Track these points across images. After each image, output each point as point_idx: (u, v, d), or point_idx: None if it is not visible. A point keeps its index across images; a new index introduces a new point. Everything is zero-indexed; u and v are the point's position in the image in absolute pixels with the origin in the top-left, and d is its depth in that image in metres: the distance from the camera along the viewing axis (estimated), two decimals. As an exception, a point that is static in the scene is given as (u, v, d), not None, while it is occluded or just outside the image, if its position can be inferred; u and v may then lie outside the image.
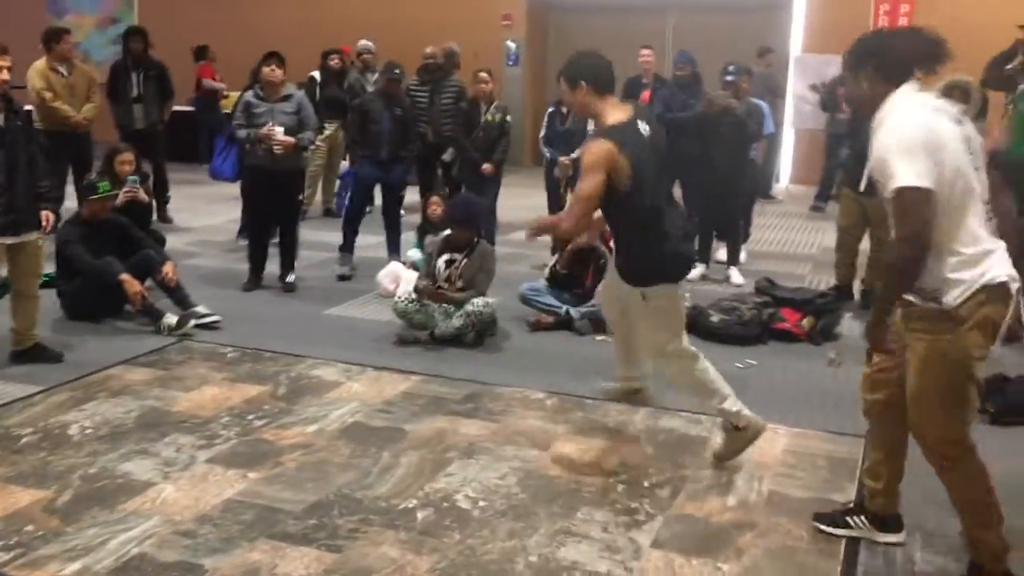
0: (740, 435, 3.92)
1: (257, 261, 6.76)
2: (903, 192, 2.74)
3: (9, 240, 4.82)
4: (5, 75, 4.67)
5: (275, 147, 6.27)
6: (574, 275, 6.01)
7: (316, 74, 9.40)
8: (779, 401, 4.77)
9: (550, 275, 6.12)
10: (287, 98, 6.45)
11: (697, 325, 5.79)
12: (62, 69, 8.00)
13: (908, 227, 2.76)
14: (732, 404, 3.90)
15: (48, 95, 7.84)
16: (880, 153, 2.83)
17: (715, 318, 5.77)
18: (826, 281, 6.92)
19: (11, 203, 4.78)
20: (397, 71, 7.19)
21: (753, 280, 6.65)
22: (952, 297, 2.82)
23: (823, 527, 3.44)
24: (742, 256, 7.60)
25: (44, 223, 5.01)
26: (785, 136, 12.14)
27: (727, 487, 3.80)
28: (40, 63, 7.96)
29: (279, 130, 6.27)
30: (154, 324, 5.65)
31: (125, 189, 6.22)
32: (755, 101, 7.41)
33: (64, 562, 3.15)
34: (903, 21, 11.24)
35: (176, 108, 10.88)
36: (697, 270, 7.27)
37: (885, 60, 2.92)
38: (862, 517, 3.37)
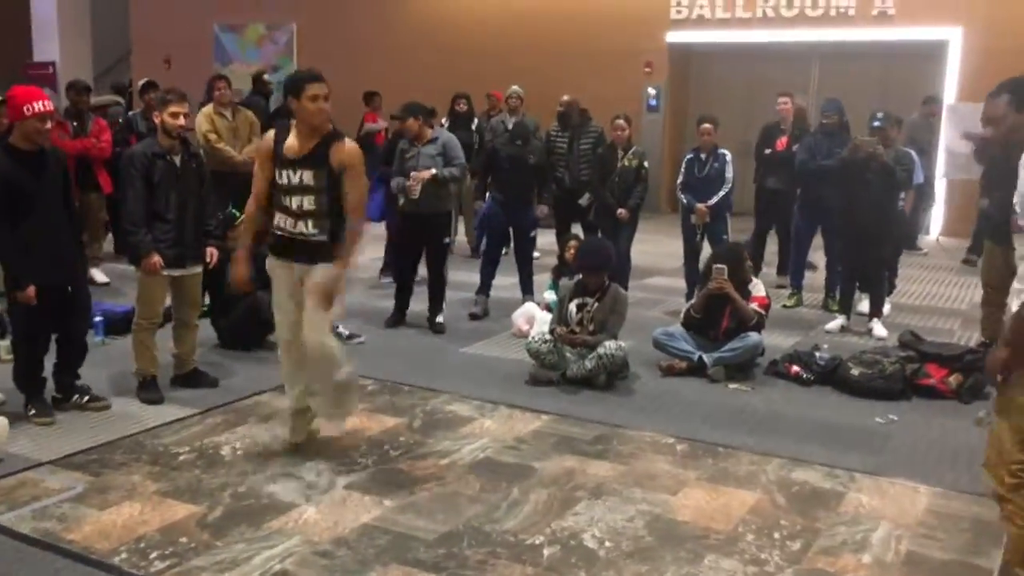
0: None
1: (402, 300, 7.02)
2: None
3: (175, 272, 5.19)
4: (183, 121, 5.08)
5: (411, 185, 6.53)
6: (709, 321, 5.98)
7: (444, 120, 9.79)
8: (923, 460, 4.61)
9: (685, 320, 6.10)
10: (433, 140, 6.73)
11: (836, 377, 5.68)
12: (226, 113, 8.57)
13: None
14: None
15: (213, 137, 8.41)
16: None
17: (856, 371, 5.62)
18: (976, 338, 6.63)
19: (180, 238, 5.15)
20: (524, 115, 7.52)
21: (896, 334, 6.43)
22: None
23: None
24: (886, 308, 7.36)
25: (209, 258, 5.38)
26: (937, 186, 11.70)
27: (863, 544, 3.69)
28: (207, 108, 8.57)
29: (422, 175, 6.54)
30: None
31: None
32: (904, 149, 7.22)
33: (214, 574, 3.35)
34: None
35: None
36: (838, 321, 7.12)
37: None
38: None
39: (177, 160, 5.12)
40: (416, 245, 6.90)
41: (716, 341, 5.94)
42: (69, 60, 15.84)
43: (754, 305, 5.97)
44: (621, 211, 7.50)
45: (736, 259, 6.05)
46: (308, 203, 4.29)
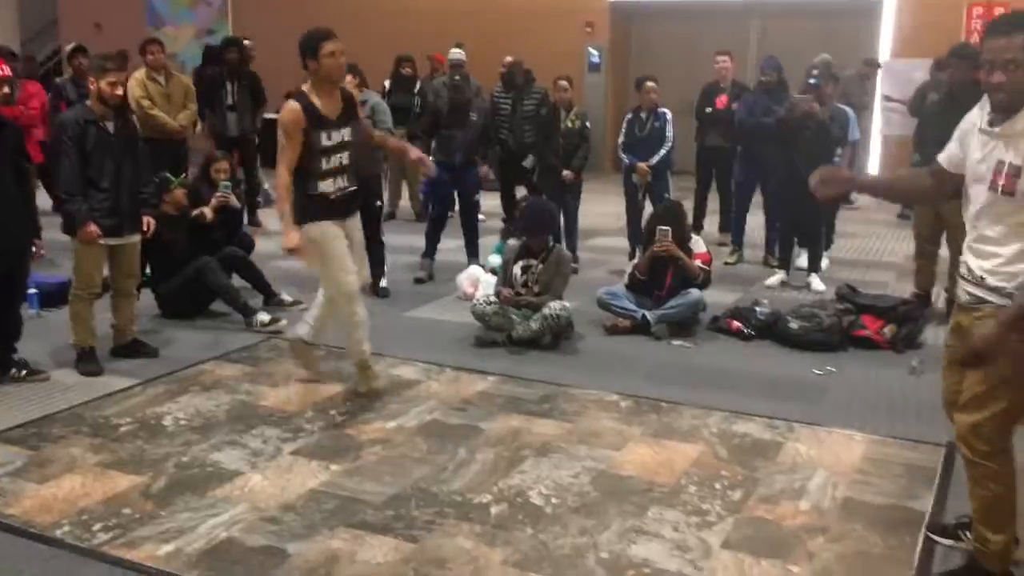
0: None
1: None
2: None
3: (112, 241, 5.09)
4: (120, 91, 4.96)
5: None
6: (653, 280, 6.04)
7: (387, 82, 9.69)
8: (858, 408, 4.73)
9: (629, 281, 6.16)
10: (361, 103, 6.64)
11: (776, 331, 5.79)
12: (159, 78, 8.37)
13: None
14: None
15: (146, 103, 8.20)
16: None
17: (794, 324, 5.73)
18: (910, 289, 6.80)
19: (116, 207, 5.05)
20: (457, 78, 7.57)
21: (834, 288, 6.57)
22: None
23: (934, 536, 3.42)
24: (824, 263, 7.51)
25: (145, 227, 5.28)
26: (873, 143, 11.91)
27: (800, 492, 3.80)
28: (139, 73, 8.34)
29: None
30: (246, 320, 5.90)
31: (218, 195, 6.46)
32: (840, 106, 7.32)
33: (158, 544, 3.33)
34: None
35: (271, 116, 11.27)
36: (777, 276, 7.24)
37: None
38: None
39: (111, 127, 5.00)
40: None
41: (659, 300, 6.01)
42: (-7, 25, 15.32)
43: (698, 262, 6.04)
44: (566, 172, 7.51)
45: (676, 218, 6.11)
46: (346, 158, 4.57)
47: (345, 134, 4.55)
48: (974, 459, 2.99)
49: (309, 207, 4.50)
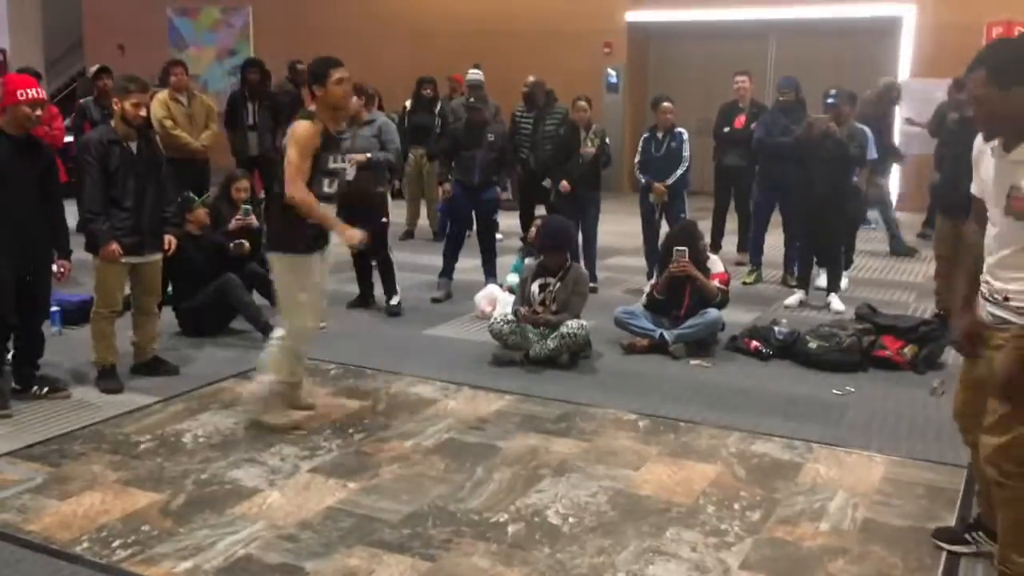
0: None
1: (361, 281, 7.02)
2: None
3: (134, 260, 5.13)
4: (143, 112, 5.03)
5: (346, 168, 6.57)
6: (671, 300, 6.03)
7: (408, 103, 9.79)
8: (879, 429, 4.70)
9: (647, 300, 6.15)
10: (370, 123, 6.70)
11: (795, 351, 5.77)
12: (182, 99, 8.47)
13: None
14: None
15: (169, 123, 8.30)
16: None
17: (814, 344, 5.71)
18: (931, 309, 6.75)
19: (138, 225, 5.10)
20: (472, 100, 7.61)
21: (854, 307, 6.53)
22: None
23: (942, 544, 3.42)
24: (843, 283, 7.47)
25: (167, 246, 5.33)
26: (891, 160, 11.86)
27: (820, 513, 3.77)
28: (162, 94, 8.44)
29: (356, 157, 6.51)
30: (265, 338, 5.91)
31: (237, 217, 6.48)
32: (858, 126, 7.31)
33: (177, 560, 3.35)
34: (1018, 43, 10.87)
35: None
36: (796, 296, 7.21)
37: None
38: (980, 532, 3.33)
39: (134, 147, 5.06)
40: (353, 225, 6.87)
41: (678, 320, 6.00)
42: (19, 47, 15.52)
43: (716, 282, 6.03)
44: (563, 183, 7.51)
45: (691, 238, 6.10)
46: (337, 185, 4.58)
47: (340, 160, 4.65)
48: (1002, 480, 2.97)
49: (297, 237, 4.44)
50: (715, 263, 6.17)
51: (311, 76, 4.48)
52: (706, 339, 5.98)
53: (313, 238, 4.50)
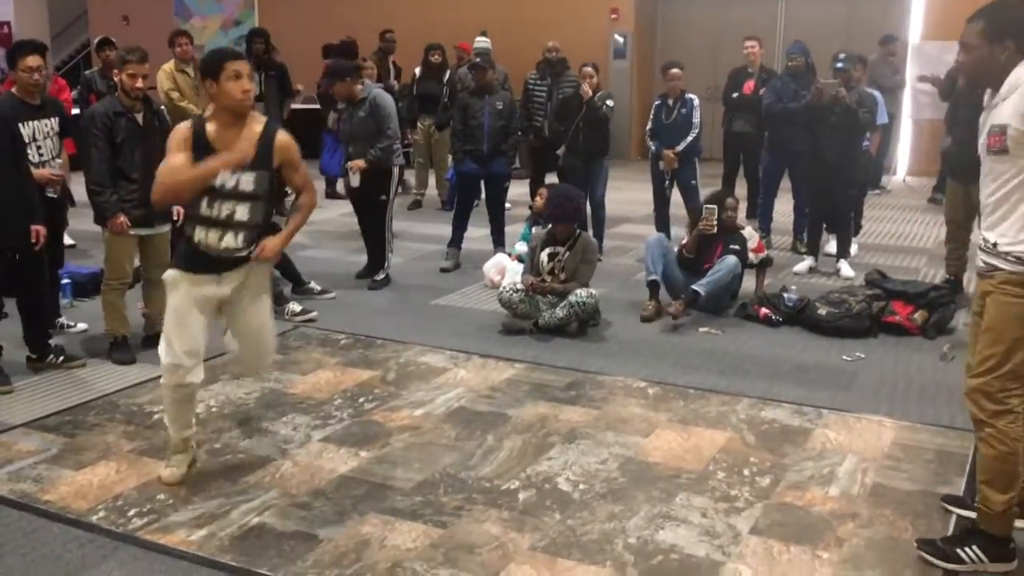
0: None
1: (367, 251, 7.04)
2: None
3: (143, 232, 5.14)
4: (140, 83, 4.99)
5: (350, 175, 6.71)
6: (701, 258, 6.06)
7: (417, 70, 9.74)
8: (888, 394, 4.71)
9: (678, 258, 6.16)
10: (362, 101, 6.64)
11: (805, 317, 5.76)
12: (187, 70, 8.42)
13: None
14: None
15: (175, 95, 8.27)
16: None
17: (823, 310, 5.70)
18: (941, 274, 6.73)
19: (145, 198, 5.06)
20: (478, 60, 7.58)
21: (864, 273, 6.52)
22: None
23: (951, 508, 3.49)
24: (853, 249, 7.44)
25: (176, 216, 5.33)
26: (903, 127, 11.77)
27: (829, 478, 3.78)
28: (168, 65, 8.40)
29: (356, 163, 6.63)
30: (276, 309, 5.93)
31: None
32: (867, 90, 7.24)
33: (192, 529, 3.38)
34: (1030, 5, 10.74)
35: (305, 107, 11.31)
36: (806, 262, 7.20)
37: None
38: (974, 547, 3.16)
39: (140, 118, 5.05)
40: (361, 201, 6.88)
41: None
42: (24, 19, 15.47)
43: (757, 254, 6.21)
44: (560, 149, 7.49)
45: (722, 204, 6.12)
46: (242, 213, 3.61)
47: (245, 181, 3.59)
48: (982, 417, 3.04)
49: (186, 250, 3.70)
50: (752, 237, 6.24)
51: (203, 70, 3.64)
52: (723, 296, 6.02)
53: (205, 259, 3.61)
